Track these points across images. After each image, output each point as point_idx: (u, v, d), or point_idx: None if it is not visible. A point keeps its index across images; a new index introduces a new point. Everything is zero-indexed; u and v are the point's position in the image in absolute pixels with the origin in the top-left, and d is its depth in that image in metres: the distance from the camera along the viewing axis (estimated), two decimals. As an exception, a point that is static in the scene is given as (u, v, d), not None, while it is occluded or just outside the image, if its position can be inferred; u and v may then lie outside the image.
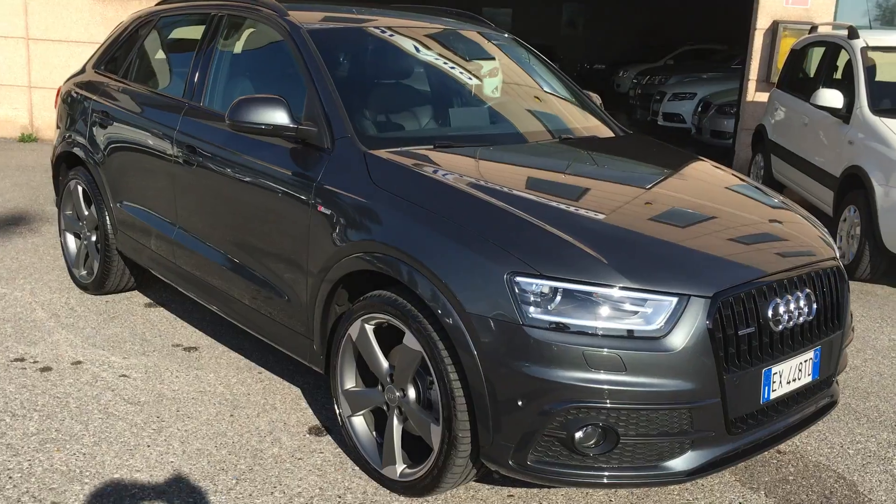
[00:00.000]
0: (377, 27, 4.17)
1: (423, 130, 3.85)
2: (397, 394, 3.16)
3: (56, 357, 4.31)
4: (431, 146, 3.56)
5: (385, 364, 3.21)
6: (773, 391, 2.98)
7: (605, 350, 2.70)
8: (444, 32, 4.42)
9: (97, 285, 5.14)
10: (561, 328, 2.72)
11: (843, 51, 7.58)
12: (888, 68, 7.32)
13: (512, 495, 3.27)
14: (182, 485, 3.23)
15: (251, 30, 4.23)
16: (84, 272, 5.27)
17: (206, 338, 4.65)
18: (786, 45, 9.72)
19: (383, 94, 4.04)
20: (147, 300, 5.21)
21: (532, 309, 2.74)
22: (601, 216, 3.08)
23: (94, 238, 5.16)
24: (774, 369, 2.96)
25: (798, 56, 8.62)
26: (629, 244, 2.92)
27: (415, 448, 3.19)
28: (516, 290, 2.76)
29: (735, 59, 16.90)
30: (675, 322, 2.73)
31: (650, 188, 3.52)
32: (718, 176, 3.85)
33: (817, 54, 8.26)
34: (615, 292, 2.74)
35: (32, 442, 3.49)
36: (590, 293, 2.74)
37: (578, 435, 2.74)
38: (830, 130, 7.01)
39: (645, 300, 2.75)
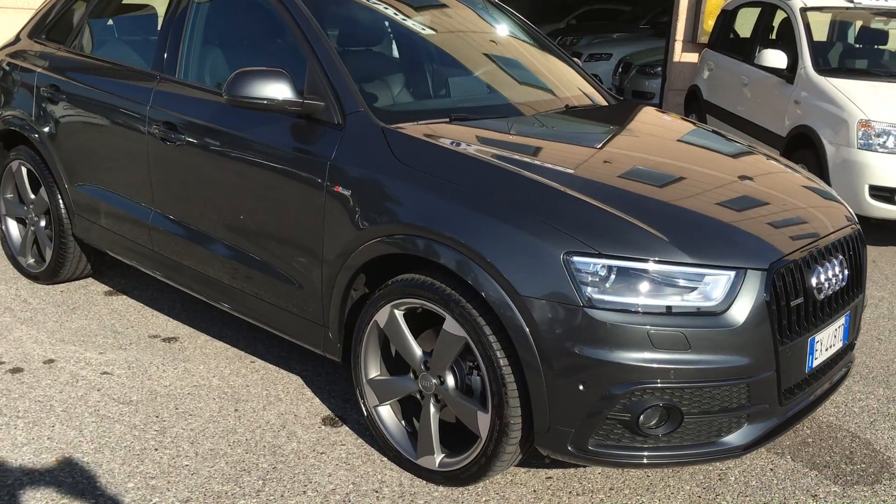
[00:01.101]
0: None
1: (434, 102, 3.67)
2: (434, 381, 3.02)
3: (24, 356, 3.97)
4: (447, 119, 3.38)
5: (419, 351, 3.06)
6: (815, 359, 2.98)
7: (670, 328, 2.63)
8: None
9: (50, 274, 4.76)
10: (624, 308, 2.63)
11: (779, 11, 7.72)
12: (820, 27, 7.50)
13: (550, 477, 3.19)
14: (206, 490, 3.01)
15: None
16: (32, 260, 4.87)
17: (182, 327, 4.38)
18: (711, 6, 9.86)
19: (386, 64, 3.83)
20: (106, 288, 4.86)
21: (592, 290, 2.64)
22: (645, 191, 2.99)
23: (43, 224, 4.76)
24: (817, 338, 2.96)
25: (729, 16, 8.74)
26: (680, 219, 2.84)
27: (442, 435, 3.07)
28: (574, 271, 2.65)
29: (643, 20, 17.12)
30: (734, 296, 2.68)
31: (680, 160, 3.45)
32: (735, 146, 3.80)
33: (750, 14, 8.39)
34: (678, 269, 2.66)
35: (25, 453, 3.19)
36: (653, 271, 2.66)
37: (643, 416, 2.68)
38: (774, 91, 7.14)
39: (703, 275, 2.68)
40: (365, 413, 3.27)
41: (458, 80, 3.87)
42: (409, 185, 3.01)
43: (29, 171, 4.72)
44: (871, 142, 6.03)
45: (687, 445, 2.75)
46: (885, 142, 6.02)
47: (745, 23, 8.57)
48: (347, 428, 3.47)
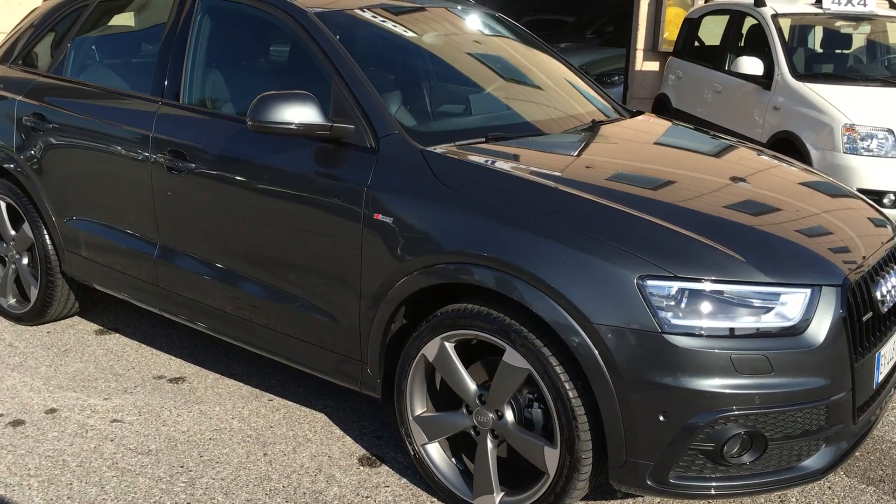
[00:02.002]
0: (377, 10, 3.76)
1: (465, 122, 3.51)
2: (490, 416, 2.86)
3: (23, 406, 3.68)
4: (482, 139, 3.23)
5: (473, 385, 2.90)
6: (880, 374, 2.91)
7: (753, 351, 2.52)
8: (445, 13, 4.06)
9: (36, 314, 4.46)
10: (705, 333, 2.51)
11: (748, 18, 7.77)
12: (791, 33, 7.57)
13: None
14: (253, 546, 2.80)
15: (235, 17, 3.71)
16: (13, 301, 4.56)
17: (187, 365, 4.13)
18: (671, 15, 9.91)
19: (412, 83, 3.66)
20: (95, 326, 4.58)
21: (669, 315, 2.52)
22: (708, 209, 2.88)
23: (25, 261, 4.46)
24: (882, 351, 2.89)
25: (694, 25, 8.78)
26: (749, 237, 2.73)
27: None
28: (649, 295, 2.52)
29: (589, 29, 17.22)
30: (811, 314, 2.59)
31: (729, 176, 3.35)
32: (763, 159, 3.72)
33: (715, 22, 8.44)
34: (755, 289, 2.56)
35: (46, 516, 2.93)
36: (731, 292, 2.54)
37: (727, 445, 2.56)
38: (750, 97, 7.17)
39: (779, 295, 2.58)
40: (411, 452, 3.09)
41: (480, 99, 3.72)
42: (458, 210, 2.85)
43: (9, 206, 4.42)
44: (856, 146, 6.07)
45: (770, 472, 2.64)
46: (869, 145, 6.07)
47: (710, 31, 8.62)
48: (387, 468, 3.28)
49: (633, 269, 2.55)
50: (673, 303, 2.53)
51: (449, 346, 2.91)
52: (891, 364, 3.01)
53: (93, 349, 4.29)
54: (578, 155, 3.34)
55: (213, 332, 3.68)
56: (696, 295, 2.53)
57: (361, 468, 3.28)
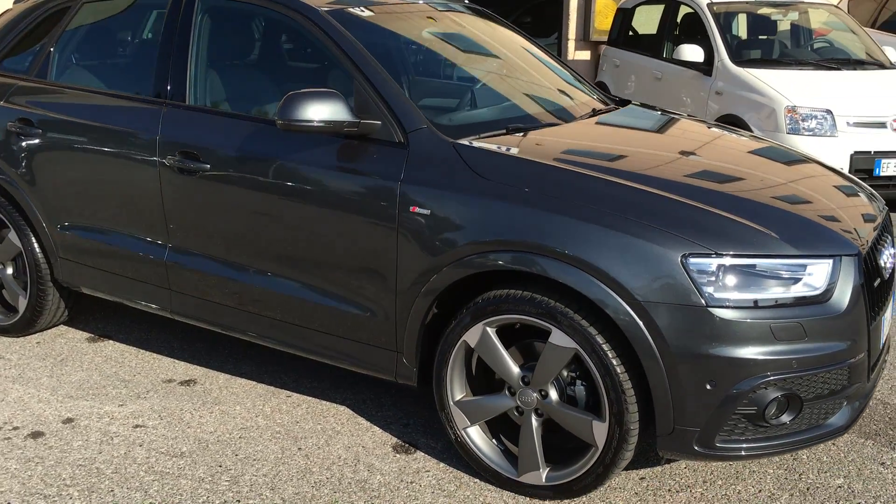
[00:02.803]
0: (379, 6, 3.82)
1: (482, 115, 3.60)
2: (535, 396, 2.99)
3: (37, 418, 3.61)
4: (503, 130, 3.34)
5: (516, 367, 3.01)
6: (883, 335, 3.16)
7: (789, 319, 2.72)
8: (441, 9, 4.14)
9: (25, 325, 4.36)
10: (746, 305, 2.70)
11: (682, 7, 8.09)
12: (726, 21, 7.91)
13: (643, 477, 3.23)
14: (315, 537, 2.86)
15: (240, 17, 3.71)
16: (-4, 312, 4.44)
17: (193, 367, 4.11)
18: (600, 5, 10.21)
19: (427, 78, 3.73)
20: (86, 334, 4.49)
21: (712, 289, 2.69)
22: (728, 190, 3.07)
23: (10, 271, 4.34)
24: (885, 314, 3.14)
25: (628, 14, 9.07)
26: (772, 215, 2.92)
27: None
28: (693, 272, 2.69)
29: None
30: (835, 282, 2.80)
31: (730, 160, 3.53)
32: (761, 142, 3.91)
33: (649, 12, 8.75)
34: (787, 262, 2.76)
35: (96, 524, 2.92)
36: (766, 266, 2.74)
37: (769, 408, 2.75)
38: (692, 83, 7.49)
39: (805, 266, 2.79)
40: (452, 437, 3.19)
41: (484, 91, 3.82)
42: (497, 199, 2.96)
43: (-10, 215, 4.30)
44: (798, 126, 6.43)
45: (803, 430, 2.86)
46: (810, 126, 6.44)
47: (643, 20, 8.93)
48: (422, 454, 3.37)
49: (676, 249, 2.71)
50: (715, 278, 2.70)
51: (491, 331, 3.02)
52: (889, 327, 3.27)
53: (90, 357, 4.22)
54: (599, 143, 3.50)
55: (233, 332, 3.69)
56: (735, 270, 2.71)
57: (398, 455, 3.36)
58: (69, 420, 3.60)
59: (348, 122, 3.14)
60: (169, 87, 3.68)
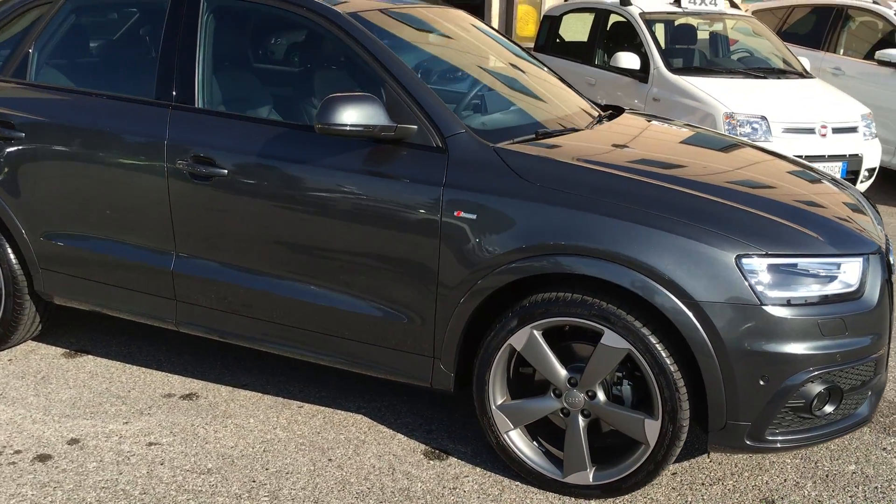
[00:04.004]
0: (392, 9, 3.77)
1: (512, 119, 3.60)
2: (581, 397, 3.03)
3: (37, 440, 3.39)
4: (533, 135, 3.37)
5: (563, 369, 3.05)
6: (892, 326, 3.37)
7: (833, 316, 2.86)
8: (441, 12, 4.13)
9: (-2, 341, 4.09)
10: (796, 302, 2.82)
11: (612, 15, 8.34)
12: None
13: (675, 473, 3.32)
14: (376, 549, 2.81)
15: (252, 18, 3.59)
16: (-39, 329, 4.13)
17: (190, 381, 3.94)
18: (521, 12, 10.38)
19: (453, 83, 3.71)
20: (60, 349, 4.24)
21: (765, 289, 2.81)
22: (763, 194, 3.19)
23: (-23, 284, 4.06)
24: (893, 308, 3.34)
25: (555, 21, 9.26)
26: (804, 217, 3.06)
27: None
28: (747, 272, 2.80)
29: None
30: (865, 280, 2.97)
31: (743, 164, 3.66)
32: (730, 142, 4.09)
33: (576, 20, 8.97)
34: (827, 261, 2.90)
35: (141, 548, 2.77)
36: (812, 265, 2.88)
37: (815, 401, 2.89)
38: (629, 90, 7.71)
39: (840, 264, 2.94)
40: (493, 441, 3.20)
41: (493, 97, 3.84)
42: (545, 203, 2.98)
43: (-45, 225, 4.00)
44: (735, 131, 6.73)
45: (839, 421, 3.01)
46: (746, 131, 6.75)
47: (570, 28, 9.15)
48: (455, 459, 3.36)
49: (730, 250, 2.81)
50: (766, 277, 2.82)
51: (538, 334, 3.04)
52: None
53: (73, 374, 3.99)
54: (631, 148, 3.57)
55: (248, 343, 3.57)
56: (785, 269, 2.84)
57: (431, 462, 3.33)
58: (74, 441, 3.40)
59: (385, 126, 3.10)
60: (175, 90, 3.53)
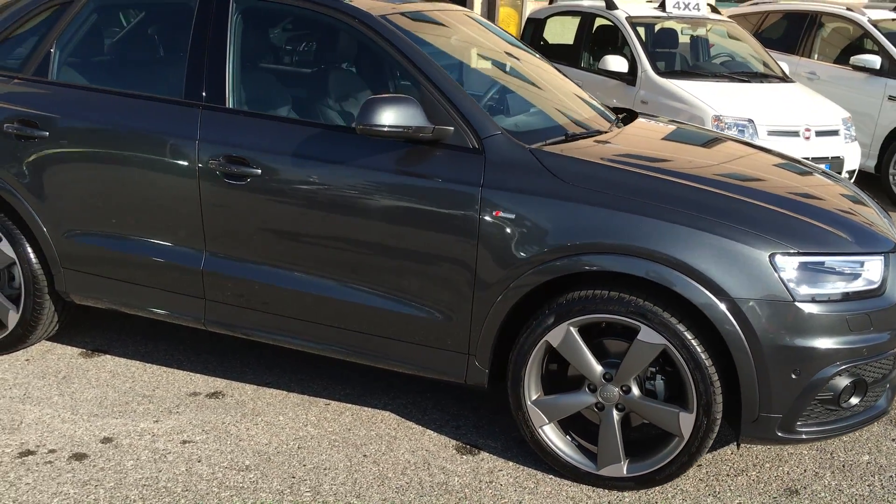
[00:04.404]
0: (415, 10, 3.83)
1: (538, 121, 3.68)
2: (616, 391, 3.12)
3: (70, 439, 3.39)
4: (562, 137, 3.45)
5: (598, 365, 3.13)
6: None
7: (860, 312, 2.99)
8: (458, 14, 4.19)
9: (13, 342, 4.05)
10: (826, 299, 2.95)
11: (597, 19, 8.47)
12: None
13: (700, 465, 3.42)
14: (424, 541, 2.87)
15: (283, 18, 3.63)
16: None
17: (213, 379, 3.96)
18: (503, 14, 10.48)
19: (484, 85, 3.77)
20: (76, 349, 4.23)
21: (797, 286, 2.92)
22: (783, 194, 3.31)
23: (-6, 284, 4.04)
24: None
25: (539, 24, 9.38)
26: (827, 217, 3.18)
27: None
28: (780, 270, 2.91)
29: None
30: (886, 277, 3.10)
31: (764, 166, 3.77)
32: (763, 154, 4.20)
33: (560, 23, 9.09)
34: (852, 259, 3.03)
35: (192, 544, 2.80)
36: (840, 263, 3.00)
37: (842, 393, 3.01)
38: (615, 92, 7.84)
39: (863, 262, 3.07)
40: (528, 435, 3.27)
41: (515, 100, 3.91)
42: (587, 204, 3.07)
43: (-29, 225, 3.97)
44: (723, 134, 6.90)
45: (861, 413, 3.14)
46: (734, 134, 6.92)
47: (554, 31, 9.27)
48: (487, 454, 3.43)
49: (765, 249, 2.92)
50: (798, 275, 2.93)
51: (574, 330, 3.13)
52: None
53: (94, 373, 3.99)
54: (659, 150, 3.67)
55: (278, 341, 3.60)
56: (816, 267, 2.96)
57: (465, 457, 3.40)
58: (108, 439, 3.41)
59: (423, 127, 3.17)
60: (204, 89, 3.55)
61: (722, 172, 3.47)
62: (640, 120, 4.03)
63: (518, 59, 4.28)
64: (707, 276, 2.92)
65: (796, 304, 2.91)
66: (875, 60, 8.58)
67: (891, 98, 8.49)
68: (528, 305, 3.23)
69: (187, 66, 3.60)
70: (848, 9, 9.48)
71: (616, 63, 7.70)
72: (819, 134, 7.15)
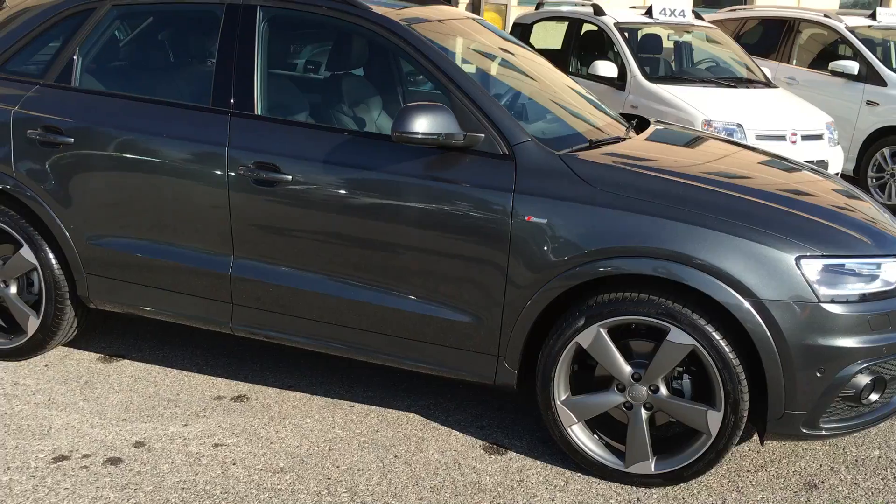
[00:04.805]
0: (433, 18, 3.90)
1: (559, 128, 3.75)
2: (644, 391, 3.22)
3: (102, 444, 3.41)
4: (587, 143, 3.55)
5: (627, 365, 3.23)
6: None
7: (880, 312, 3.11)
8: (471, 21, 4.27)
9: (33, 347, 4.06)
10: (849, 300, 3.06)
11: (585, 24, 8.60)
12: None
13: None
14: (466, 539, 2.94)
15: (310, 27, 3.67)
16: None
17: (235, 383, 4.00)
18: (488, 19, 10.57)
19: (503, 92, 3.84)
20: (93, 354, 4.24)
21: (821, 287, 3.04)
22: (801, 198, 3.43)
23: (13, 290, 4.02)
24: None
25: (526, 30, 9.48)
26: (846, 221, 3.31)
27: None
28: (805, 272, 3.03)
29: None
30: None
31: (782, 171, 3.89)
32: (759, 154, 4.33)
33: (547, 28, 9.21)
34: (871, 261, 3.16)
35: (239, 545, 2.84)
36: (861, 265, 3.12)
37: (863, 390, 3.13)
38: (605, 97, 7.94)
39: (881, 264, 3.20)
40: (557, 434, 3.36)
41: (533, 107, 4.00)
42: (616, 209, 3.16)
43: (-8, 230, 3.97)
44: (713, 139, 7.05)
45: (879, 409, 3.27)
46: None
47: (541, 36, 9.39)
48: (514, 453, 3.51)
49: (790, 251, 3.04)
50: (823, 277, 3.05)
51: (604, 332, 3.22)
52: None
53: (115, 378, 4.00)
54: (675, 155, 3.77)
55: (306, 345, 3.65)
56: (838, 269, 3.08)
57: (493, 456, 3.48)
58: (140, 444, 3.43)
59: (455, 134, 3.24)
60: (233, 97, 3.59)
61: (745, 178, 3.59)
62: (655, 126, 4.14)
63: (531, 66, 4.37)
64: (736, 279, 3.02)
65: (821, 304, 3.02)
66: (853, 66, 8.79)
67: (869, 103, 8.71)
68: (553, 308, 3.31)
69: (215, 74, 3.64)
70: (825, 15, 9.71)
71: (606, 68, 7.83)
72: (805, 138, 7.33)
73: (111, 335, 4.44)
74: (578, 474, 3.37)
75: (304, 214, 3.49)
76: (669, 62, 8.45)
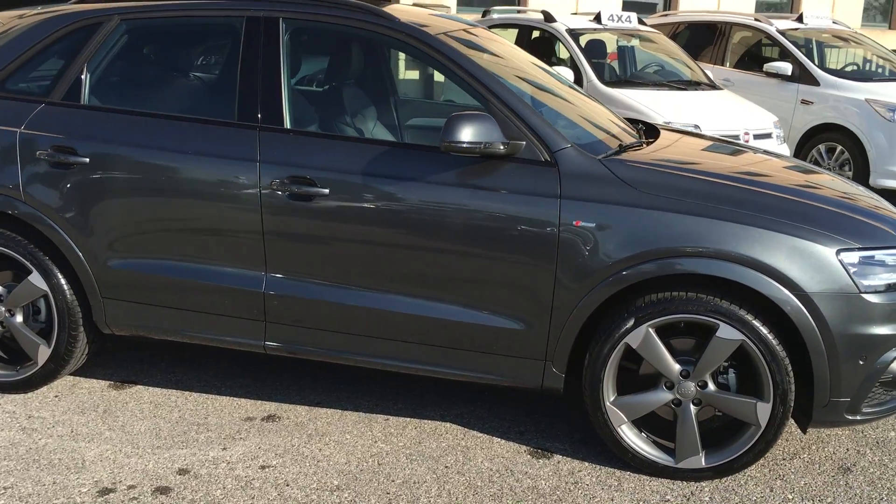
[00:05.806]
0: (455, 30, 3.90)
1: (582, 135, 3.79)
2: (693, 387, 3.30)
3: (144, 473, 3.29)
4: (617, 148, 3.61)
5: (675, 363, 3.30)
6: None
7: (908, 299, 3.28)
8: (483, 31, 4.29)
9: (43, 378, 3.88)
10: (878, 290, 3.21)
11: (534, 31, 8.73)
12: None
13: (756, 452, 3.64)
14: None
15: (337, 39, 3.63)
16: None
17: (261, 403, 3.91)
18: (429, 27, 10.59)
19: (535, 100, 3.86)
20: (102, 382, 4.08)
21: (861, 278, 3.18)
22: (825, 193, 3.57)
23: (19, 319, 3.84)
24: None
25: (473, 37, 9.55)
26: (869, 214, 3.47)
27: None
28: (847, 265, 3.16)
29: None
30: None
31: (798, 171, 4.02)
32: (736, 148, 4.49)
33: (499, 35, 9.29)
34: (898, 252, 3.33)
35: (320, 567, 2.79)
36: (888, 256, 3.26)
37: (901, 375, 3.30)
38: (562, 102, 8.11)
39: (902, 253, 3.38)
40: (607, 435, 3.41)
41: (555, 114, 4.04)
42: (661, 210, 3.23)
43: (-2, 256, 3.78)
44: (673, 140, 7.25)
45: (911, 390, 3.44)
46: (682, 139, 7.29)
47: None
48: (561, 456, 3.54)
49: (831, 245, 3.17)
50: (861, 269, 3.19)
51: (653, 331, 3.28)
52: None
53: (134, 405, 3.86)
54: (702, 159, 3.87)
55: (346, 360, 3.60)
56: (875, 261, 3.23)
57: (541, 461, 3.50)
58: (184, 471, 3.32)
59: (499, 142, 3.26)
60: (260, 111, 3.52)
61: (770, 176, 3.72)
62: (666, 132, 4.24)
63: (542, 75, 4.42)
64: (783, 274, 3.13)
65: (862, 295, 3.16)
66: (787, 67, 9.19)
67: (803, 102, 9.13)
68: (600, 309, 3.37)
69: (239, 88, 3.56)
70: (756, 19, 10.12)
71: (563, 74, 7.95)
72: (756, 137, 7.61)
73: (114, 362, 4.28)
74: (629, 473, 3.43)
75: (345, 227, 3.45)
76: (612, 67, 8.65)
